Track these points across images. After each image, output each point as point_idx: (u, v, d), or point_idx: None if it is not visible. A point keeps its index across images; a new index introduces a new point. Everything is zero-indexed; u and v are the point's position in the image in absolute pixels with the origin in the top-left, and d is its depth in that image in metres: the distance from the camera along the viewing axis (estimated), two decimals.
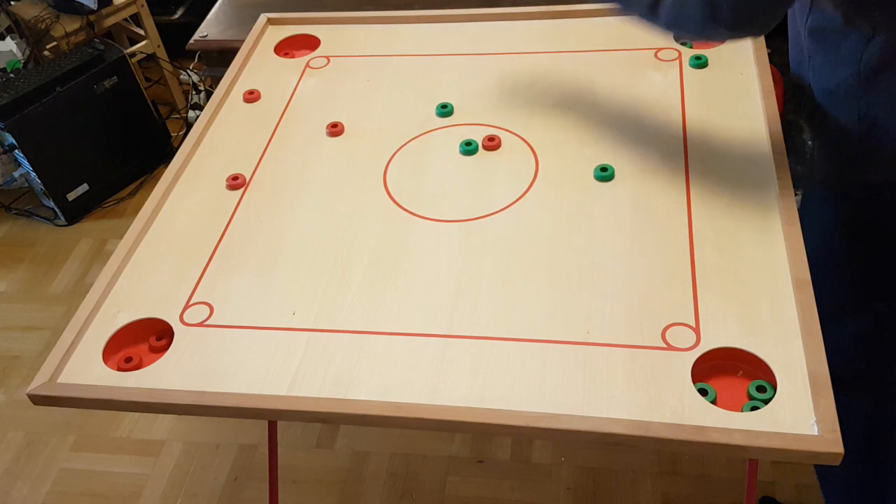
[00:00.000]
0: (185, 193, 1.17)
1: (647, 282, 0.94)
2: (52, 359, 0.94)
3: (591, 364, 0.86)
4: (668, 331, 0.88)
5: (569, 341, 0.89)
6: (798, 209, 0.98)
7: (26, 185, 2.36)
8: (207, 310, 0.99)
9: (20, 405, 1.83)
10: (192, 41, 1.99)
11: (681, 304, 0.90)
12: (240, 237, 1.09)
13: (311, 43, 1.45)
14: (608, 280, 0.95)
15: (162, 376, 0.91)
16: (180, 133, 2.59)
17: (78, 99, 2.18)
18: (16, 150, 2.14)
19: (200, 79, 2.64)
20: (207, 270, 1.04)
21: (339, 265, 1.02)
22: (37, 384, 0.92)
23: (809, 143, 1.09)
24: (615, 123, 1.17)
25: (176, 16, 2.75)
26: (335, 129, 1.24)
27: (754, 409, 0.80)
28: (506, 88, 1.27)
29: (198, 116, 1.30)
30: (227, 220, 1.11)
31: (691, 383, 0.83)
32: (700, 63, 1.23)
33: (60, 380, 0.93)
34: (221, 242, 1.08)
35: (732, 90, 1.18)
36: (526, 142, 1.17)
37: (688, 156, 1.09)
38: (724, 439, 0.77)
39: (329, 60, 1.39)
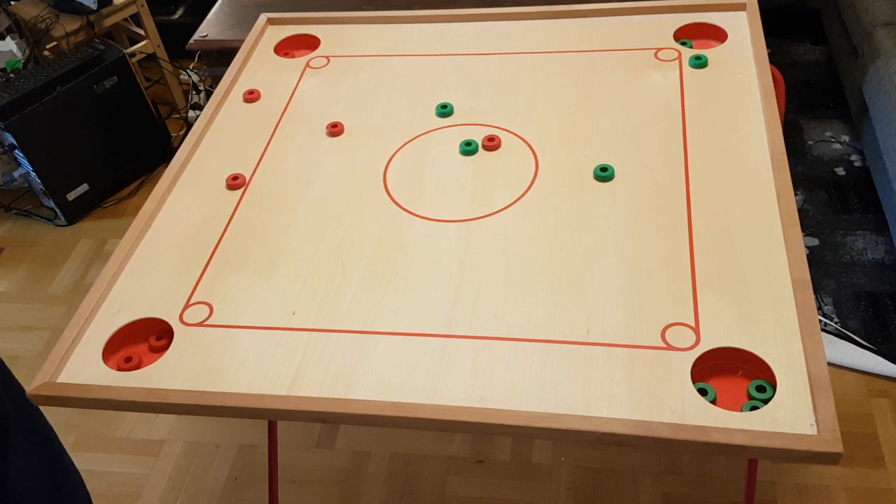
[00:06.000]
0: (185, 193, 1.17)
1: (647, 282, 0.94)
2: (53, 359, 0.94)
3: (591, 364, 0.86)
4: (668, 331, 0.88)
5: (569, 341, 0.89)
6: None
7: (26, 185, 2.36)
8: (207, 310, 0.99)
9: None
10: (192, 41, 1.99)
11: (681, 304, 0.90)
12: (240, 237, 1.09)
13: (311, 43, 1.45)
14: (608, 280, 0.95)
15: (162, 376, 0.91)
16: (180, 133, 2.59)
17: (78, 99, 2.18)
18: (16, 150, 2.14)
19: (200, 79, 2.64)
20: (207, 270, 1.04)
21: (339, 265, 1.02)
22: (37, 384, 0.92)
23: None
24: (615, 123, 1.17)
25: (176, 16, 2.75)
26: (335, 129, 1.24)
27: (754, 408, 0.80)
28: (506, 88, 1.27)
29: (198, 116, 1.30)
30: (227, 220, 1.12)
31: (691, 383, 0.83)
32: (700, 63, 1.23)
33: (60, 380, 0.93)
34: (221, 242, 1.08)
35: (732, 90, 1.18)
36: (526, 142, 1.17)
37: (688, 156, 1.09)
38: (724, 439, 0.77)
39: (329, 60, 1.39)
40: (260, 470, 1.64)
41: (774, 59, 1.24)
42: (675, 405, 0.81)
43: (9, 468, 0.92)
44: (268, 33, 1.48)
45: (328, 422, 0.87)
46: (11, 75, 2.17)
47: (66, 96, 2.16)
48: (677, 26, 1.32)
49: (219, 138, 1.26)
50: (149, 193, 1.15)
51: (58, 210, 2.30)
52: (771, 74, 1.18)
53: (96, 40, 2.35)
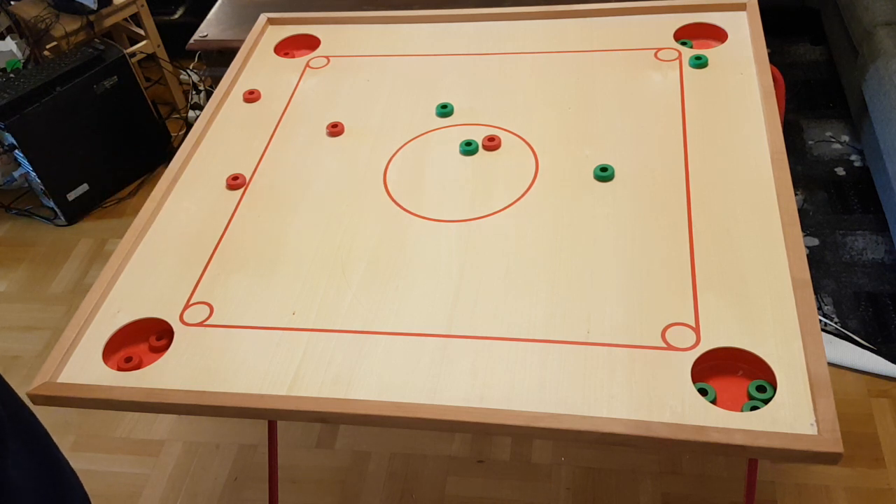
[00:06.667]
0: (185, 193, 1.17)
1: (647, 282, 0.94)
2: (53, 359, 0.94)
3: (591, 364, 0.86)
4: (668, 331, 0.88)
5: (569, 341, 0.89)
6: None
7: (26, 185, 2.36)
8: (207, 310, 0.99)
9: None
10: (192, 41, 1.99)
11: (681, 304, 0.90)
12: (240, 237, 1.09)
13: (311, 43, 1.45)
14: (608, 280, 0.95)
15: (162, 376, 0.91)
16: (180, 133, 2.59)
17: (78, 99, 2.18)
18: (16, 150, 2.14)
19: (200, 79, 2.64)
20: (207, 270, 1.04)
21: (339, 265, 1.02)
22: (37, 384, 0.92)
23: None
24: (615, 123, 1.17)
25: (176, 16, 2.75)
26: (335, 129, 1.24)
27: (754, 408, 0.80)
28: (506, 88, 1.27)
29: (198, 116, 1.30)
30: (227, 220, 1.12)
31: (691, 383, 0.83)
32: (700, 63, 1.23)
33: (60, 380, 0.93)
34: (221, 242, 1.08)
35: (732, 90, 1.18)
36: (526, 142, 1.17)
37: (688, 156, 1.09)
38: (724, 439, 0.77)
39: (329, 60, 1.39)
40: (260, 470, 1.64)
41: (774, 59, 1.24)
42: (675, 405, 0.81)
43: (8, 473, 0.92)
44: (268, 33, 1.48)
45: (328, 422, 0.87)
46: (11, 75, 2.17)
47: (66, 96, 2.16)
48: (677, 26, 1.32)
49: (219, 138, 1.26)
50: (149, 193, 1.15)
51: (58, 210, 2.30)
52: (771, 74, 1.18)
53: (96, 40, 2.35)
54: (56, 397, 0.92)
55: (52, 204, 2.29)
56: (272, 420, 1.30)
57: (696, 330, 0.88)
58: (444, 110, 1.24)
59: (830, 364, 1.63)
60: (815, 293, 1.46)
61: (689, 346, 0.86)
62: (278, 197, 1.14)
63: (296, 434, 1.68)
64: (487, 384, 0.86)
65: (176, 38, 2.44)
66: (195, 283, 1.03)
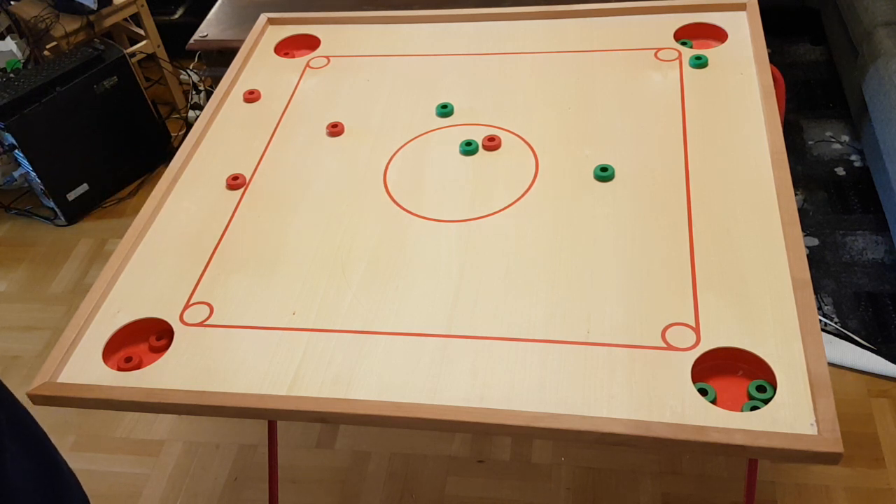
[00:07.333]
0: (185, 193, 1.17)
1: (647, 282, 0.94)
2: (52, 359, 0.94)
3: (591, 364, 0.86)
4: (668, 331, 0.88)
5: (569, 341, 0.89)
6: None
7: (26, 185, 2.36)
8: (207, 310, 0.99)
9: None
10: (192, 41, 1.99)
11: (681, 304, 0.90)
12: (240, 237, 1.09)
13: (311, 43, 1.45)
14: (608, 280, 0.95)
15: (162, 376, 0.91)
16: (180, 133, 2.59)
17: (78, 99, 2.18)
18: (16, 150, 2.14)
19: (200, 79, 2.64)
20: (207, 270, 1.04)
21: (338, 265, 1.02)
22: (37, 384, 0.92)
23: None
24: (615, 123, 1.17)
25: (176, 16, 2.75)
26: (335, 129, 1.24)
27: (754, 408, 0.80)
28: (506, 88, 1.27)
29: (198, 116, 1.30)
30: (227, 220, 1.12)
31: (691, 383, 0.83)
32: (700, 63, 1.23)
33: (60, 380, 0.93)
34: (221, 242, 1.08)
35: (732, 90, 1.18)
36: (526, 142, 1.17)
37: (688, 156, 1.09)
38: (724, 439, 0.77)
39: (329, 60, 1.39)
40: (260, 470, 1.64)
41: (774, 59, 1.24)
42: (675, 405, 0.81)
43: (6, 474, 0.92)
44: (268, 33, 1.48)
45: (328, 422, 0.87)
46: (11, 75, 2.17)
47: (66, 96, 2.16)
48: (677, 26, 1.32)
49: (219, 138, 1.26)
50: (149, 193, 1.15)
51: (58, 210, 2.30)
52: (771, 74, 1.18)
53: (96, 40, 2.35)
54: (56, 397, 0.92)
55: (52, 204, 2.29)
56: (272, 420, 1.30)
57: (696, 330, 0.88)
58: (444, 110, 1.24)
59: (830, 364, 1.63)
60: (815, 293, 1.46)
61: (689, 346, 0.86)
62: (278, 197, 1.14)
63: (296, 434, 1.68)
64: (487, 384, 0.86)
65: (176, 38, 2.44)
66: (195, 283, 1.03)
